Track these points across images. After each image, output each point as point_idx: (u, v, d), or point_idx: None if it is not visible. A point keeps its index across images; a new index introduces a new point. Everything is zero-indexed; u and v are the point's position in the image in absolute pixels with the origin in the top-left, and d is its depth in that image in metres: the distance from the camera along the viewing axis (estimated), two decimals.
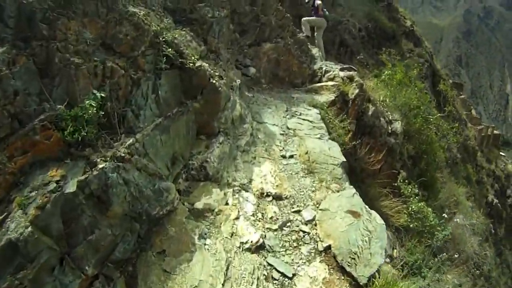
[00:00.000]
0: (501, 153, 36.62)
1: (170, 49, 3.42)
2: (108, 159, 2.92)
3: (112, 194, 2.90)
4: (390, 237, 8.42)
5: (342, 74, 8.36)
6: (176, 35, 3.59)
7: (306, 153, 5.04)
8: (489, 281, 19.85)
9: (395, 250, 8.41)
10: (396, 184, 9.27)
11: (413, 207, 8.75)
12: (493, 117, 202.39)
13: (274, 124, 5.57)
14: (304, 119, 5.87)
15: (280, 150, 5.03)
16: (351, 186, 4.98)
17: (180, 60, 3.56)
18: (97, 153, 2.92)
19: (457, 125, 14.21)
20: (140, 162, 3.18)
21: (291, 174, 4.72)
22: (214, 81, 3.85)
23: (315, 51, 9.06)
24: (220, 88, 3.91)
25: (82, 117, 2.83)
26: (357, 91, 8.16)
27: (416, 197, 9.09)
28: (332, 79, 8.13)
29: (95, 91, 2.96)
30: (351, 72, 8.73)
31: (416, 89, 11.31)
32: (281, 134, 5.41)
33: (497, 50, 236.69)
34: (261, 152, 4.75)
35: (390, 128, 9.26)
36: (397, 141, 9.45)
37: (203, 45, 4.06)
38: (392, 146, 9.26)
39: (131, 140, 3.16)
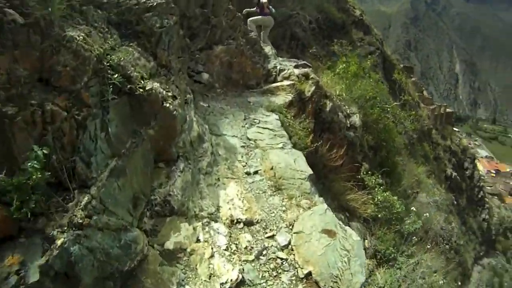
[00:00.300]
0: (454, 129, 38.55)
1: (116, 75, 3.07)
2: (65, 228, 2.62)
3: (78, 269, 2.65)
4: (360, 228, 8.68)
5: (297, 71, 8.39)
6: (122, 56, 3.24)
7: (271, 168, 4.92)
8: (459, 253, 21.09)
9: (366, 241, 8.65)
10: (359, 177, 9.51)
11: (379, 197, 8.98)
12: (444, 96, 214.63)
13: (233, 136, 5.41)
14: (264, 128, 5.78)
15: (244, 166, 4.88)
16: (322, 199, 4.97)
17: (128, 85, 3.22)
18: (52, 223, 2.60)
19: (414, 112, 14.69)
20: (101, 221, 2.91)
21: (259, 193, 4.56)
22: (167, 105, 3.58)
23: (267, 49, 9.03)
24: (174, 112, 3.65)
25: (27, 185, 2.46)
26: (313, 88, 8.22)
27: (381, 187, 9.37)
28: (287, 78, 8.13)
29: (36, 148, 2.56)
30: (306, 69, 8.79)
31: (371, 80, 11.62)
32: (242, 146, 5.26)
33: (444, 33, 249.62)
34: (224, 172, 4.58)
35: (348, 122, 9.42)
36: (356, 134, 9.64)
37: (153, 61, 3.76)
38: (352, 140, 9.44)
39: (86, 198, 2.84)
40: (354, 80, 11.01)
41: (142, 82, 3.28)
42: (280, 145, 5.43)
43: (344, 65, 10.95)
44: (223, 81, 7.36)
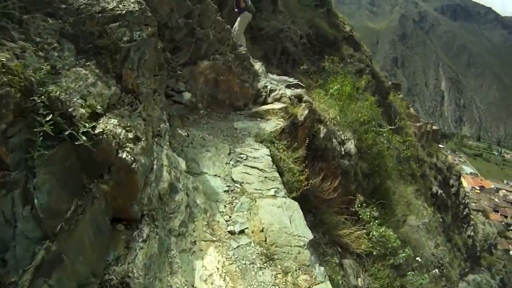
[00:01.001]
0: (440, 145, 39.01)
1: (53, 114, 2.13)
2: None
3: None
4: (353, 265, 8.11)
5: (289, 92, 7.74)
6: (67, 84, 2.39)
7: (262, 230, 3.95)
8: (450, 280, 21.02)
9: (359, 279, 8.12)
10: (353, 209, 8.95)
11: (374, 233, 8.55)
12: (429, 113, 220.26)
13: (216, 175, 4.57)
14: (252, 167, 4.94)
15: (227, 221, 3.97)
16: (325, 274, 3.99)
17: (70, 128, 2.23)
18: None
19: (409, 138, 14.23)
20: None
21: (245, 265, 3.57)
22: (124, 155, 2.62)
23: (257, 66, 8.33)
24: (134, 165, 2.68)
25: None
26: (306, 112, 7.59)
27: (376, 221, 8.87)
28: (278, 100, 7.45)
29: None
30: (298, 90, 8.16)
31: (367, 102, 11.07)
32: (225, 191, 4.39)
33: (431, 51, 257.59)
34: (203, 232, 3.61)
35: (343, 149, 8.84)
36: (351, 162, 9.07)
37: (115, 85, 2.98)
38: (346, 169, 8.86)
39: None
40: (348, 102, 10.47)
41: (88, 124, 2.31)
42: (272, 192, 4.54)
43: (338, 86, 10.34)
44: (207, 101, 6.64)
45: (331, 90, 10.60)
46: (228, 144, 5.29)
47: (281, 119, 6.68)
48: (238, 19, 9.74)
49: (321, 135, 7.96)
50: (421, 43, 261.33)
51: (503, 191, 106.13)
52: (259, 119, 6.68)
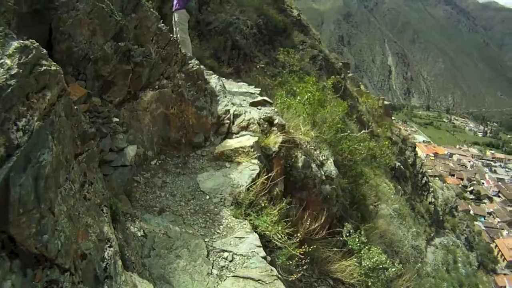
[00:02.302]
0: (392, 118, 40.17)
1: None
2: None
3: None
4: None
5: (256, 116, 6.45)
6: None
7: None
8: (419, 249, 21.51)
9: None
10: (341, 238, 8.17)
11: (367, 263, 7.82)
12: (378, 87, 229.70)
13: None
14: (245, 277, 3.37)
15: None
16: None
17: None
18: None
19: (385, 142, 13.43)
20: None
21: None
22: None
23: (213, 81, 6.97)
24: None
25: None
26: (280, 139, 6.38)
27: (365, 247, 8.20)
28: (245, 128, 6.16)
29: None
30: (267, 110, 6.89)
31: (337, 108, 10.03)
32: None
33: (376, 29, 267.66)
34: None
35: (323, 173, 7.77)
36: (333, 186, 8.04)
37: None
38: (328, 194, 7.82)
39: None
40: (318, 109, 9.40)
41: None
42: None
43: (308, 94, 9.20)
44: (158, 145, 5.24)
45: (298, 98, 9.41)
46: (201, 237, 3.81)
47: (254, 160, 5.40)
48: (175, 18, 8.36)
49: (300, 164, 6.81)
50: (366, 21, 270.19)
51: (456, 155, 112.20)
52: (227, 165, 5.35)
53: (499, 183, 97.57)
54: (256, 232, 4.21)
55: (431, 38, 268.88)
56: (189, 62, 6.33)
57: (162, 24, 5.52)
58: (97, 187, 3.15)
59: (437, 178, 54.25)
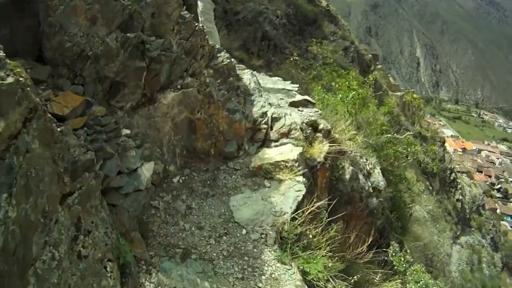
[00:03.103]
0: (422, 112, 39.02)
1: None
2: None
3: None
4: None
5: (298, 119, 5.36)
6: None
7: None
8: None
9: None
10: (385, 257, 7.17)
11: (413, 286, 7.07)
12: (406, 79, 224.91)
13: None
14: None
15: None
16: None
17: None
18: None
19: (432, 147, 12.11)
20: None
21: None
22: None
23: (247, 77, 5.88)
24: None
25: None
26: (326, 148, 5.29)
27: (411, 267, 7.45)
28: (286, 135, 5.08)
29: None
30: (310, 112, 5.79)
31: (381, 108, 8.85)
32: None
33: (404, 20, 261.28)
34: None
35: (370, 184, 6.69)
36: (380, 199, 6.94)
37: None
38: (374, 208, 6.75)
39: None
40: (361, 109, 8.25)
41: None
42: None
43: (353, 93, 8.04)
44: (182, 157, 4.23)
45: (340, 96, 8.26)
46: None
47: (299, 177, 4.34)
48: (199, 7, 7.19)
49: (347, 176, 5.74)
50: (394, 12, 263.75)
51: (485, 151, 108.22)
52: (266, 183, 4.30)
53: None
54: (305, 280, 3.18)
55: (460, 29, 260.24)
56: (218, 55, 5.24)
57: (186, 12, 4.47)
58: (98, 235, 2.20)
59: (465, 175, 52.39)
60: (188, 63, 4.39)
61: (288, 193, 4.09)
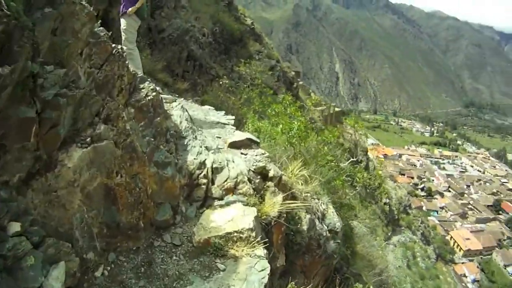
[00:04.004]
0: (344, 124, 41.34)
1: None
2: None
3: None
4: None
5: (244, 167, 4.48)
6: None
7: None
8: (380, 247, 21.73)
9: None
10: None
11: None
12: (326, 93, 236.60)
13: None
14: None
15: None
16: None
17: None
18: None
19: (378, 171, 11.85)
20: None
21: None
22: None
23: (176, 112, 4.92)
24: None
25: None
26: (280, 198, 4.47)
27: None
28: (232, 190, 4.17)
29: None
30: (256, 156, 4.92)
31: (326, 135, 8.27)
32: None
33: (324, 37, 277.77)
34: None
35: (326, 228, 6.00)
36: (337, 241, 6.29)
37: None
38: (333, 251, 6.07)
39: None
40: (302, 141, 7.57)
41: None
42: None
43: (297, 123, 7.34)
44: (102, 240, 3.11)
45: (280, 127, 7.52)
46: None
47: (260, 250, 3.43)
48: (122, 25, 6.21)
49: (304, 227, 4.95)
50: (315, 30, 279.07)
51: (406, 155, 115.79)
52: (219, 264, 3.31)
53: (449, 178, 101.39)
54: None
55: (378, 45, 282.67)
56: (141, 86, 4.17)
57: (101, 28, 3.41)
58: None
59: (388, 179, 55.24)
60: (100, 103, 3.30)
61: (250, 276, 3.15)
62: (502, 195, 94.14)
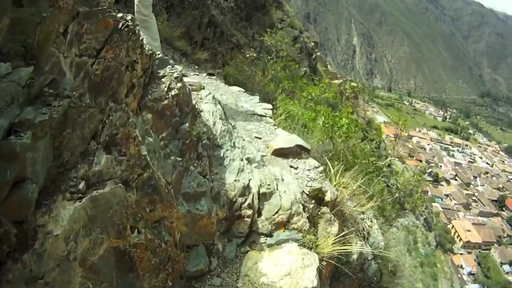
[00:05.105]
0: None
1: None
2: None
3: None
4: None
5: (296, 189, 3.41)
6: None
7: None
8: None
9: None
10: None
11: None
12: (341, 66, 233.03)
13: None
14: None
15: None
16: None
17: None
18: None
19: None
20: None
21: None
22: None
23: (207, 107, 3.77)
24: None
25: None
26: (336, 229, 3.45)
27: None
28: (284, 224, 3.11)
29: None
30: (310, 174, 3.83)
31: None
32: None
33: (343, 8, 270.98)
34: None
35: (370, 246, 5.02)
36: (378, 261, 5.30)
37: None
38: (373, 273, 5.16)
39: None
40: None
41: None
42: None
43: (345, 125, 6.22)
44: None
45: (322, 120, 6.41)
46: None
47: None
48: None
49: (354, 256, 3.97)
50: (334, 0, 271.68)
51: (416, 138, 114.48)
52: None
53: (456, 167, 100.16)
54: None
55: (398, 22, 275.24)
56: (161, 74, 2.95)
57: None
58: None
59: (397, 159, 54.68)
60: (98, 118, 2.05)
61: None
62: (507, 192, 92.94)
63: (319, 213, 3.55)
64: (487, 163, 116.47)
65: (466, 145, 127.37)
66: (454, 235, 67.07)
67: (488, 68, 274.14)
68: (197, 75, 7.16)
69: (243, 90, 6.88)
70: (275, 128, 4.76)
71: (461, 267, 60.17)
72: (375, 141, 31.17)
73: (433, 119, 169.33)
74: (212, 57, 11.63)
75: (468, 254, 64.08)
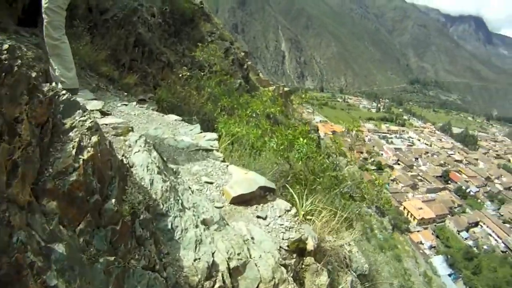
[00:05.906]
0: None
1: None
2: None
3: None
4: None
5: (272, 247, 2.63)
6: None
7: None
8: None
9: None
10: None
11: None
12: (272, 72, 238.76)
13: None
14: None
15: None
16: None
17: None
18: None
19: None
20: None
21: None
22: None
23: (139, 159, 2.82)
24: None
25: None
26: (324, 280, 2.72)
27: None
28: None
29: None
30: (285, 222, 3.07)
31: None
32: None
33: (270, 16, 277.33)
34: None
35: (355, 275, 4.41)
36: (365, 284, 4.74)
37: None
38: None
39: None
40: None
41: None
42: None
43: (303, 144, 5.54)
44: None
45: (274, 141, 5.70)
46: None
47: None
48: (44, 1, 3.81)
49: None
50: (260, 9, 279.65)
51: (353, 131, 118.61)
52: None
53: (397, 152, 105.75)
54: None
55: (324, 24, 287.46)
56: (67, 125, 1.92)
57: None
58: None
59: (339, 155, 56.18)
60: None
61: None
62: (449, 166, 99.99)
63: (303, 266, 2.82)
64: (425, 143, 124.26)
65: (403, 131, 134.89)
66: (407, 215, 70.46)
67: (414, 57, 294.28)
68: (126, 105, 6.15)
69: (180, 118, 6.01)
70: (227, 166, 3.95)
71: (421, 243, 63.19)
72: (315, 140, 31.49)
73: (367, 112, 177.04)
74: (142, 80, 10.58)
75: (425, 230, 67.41)
